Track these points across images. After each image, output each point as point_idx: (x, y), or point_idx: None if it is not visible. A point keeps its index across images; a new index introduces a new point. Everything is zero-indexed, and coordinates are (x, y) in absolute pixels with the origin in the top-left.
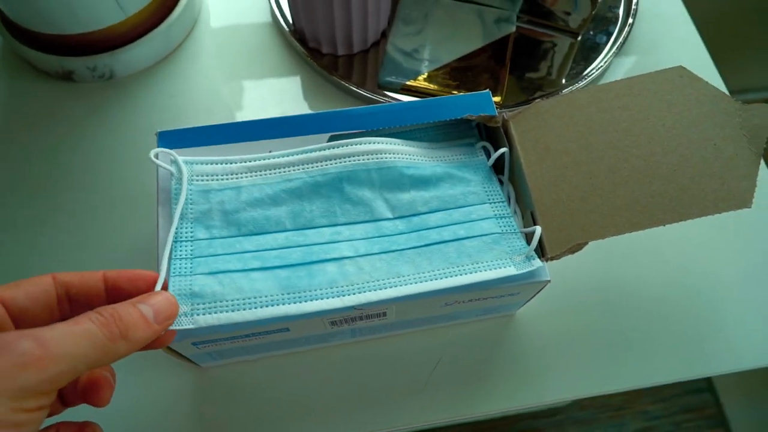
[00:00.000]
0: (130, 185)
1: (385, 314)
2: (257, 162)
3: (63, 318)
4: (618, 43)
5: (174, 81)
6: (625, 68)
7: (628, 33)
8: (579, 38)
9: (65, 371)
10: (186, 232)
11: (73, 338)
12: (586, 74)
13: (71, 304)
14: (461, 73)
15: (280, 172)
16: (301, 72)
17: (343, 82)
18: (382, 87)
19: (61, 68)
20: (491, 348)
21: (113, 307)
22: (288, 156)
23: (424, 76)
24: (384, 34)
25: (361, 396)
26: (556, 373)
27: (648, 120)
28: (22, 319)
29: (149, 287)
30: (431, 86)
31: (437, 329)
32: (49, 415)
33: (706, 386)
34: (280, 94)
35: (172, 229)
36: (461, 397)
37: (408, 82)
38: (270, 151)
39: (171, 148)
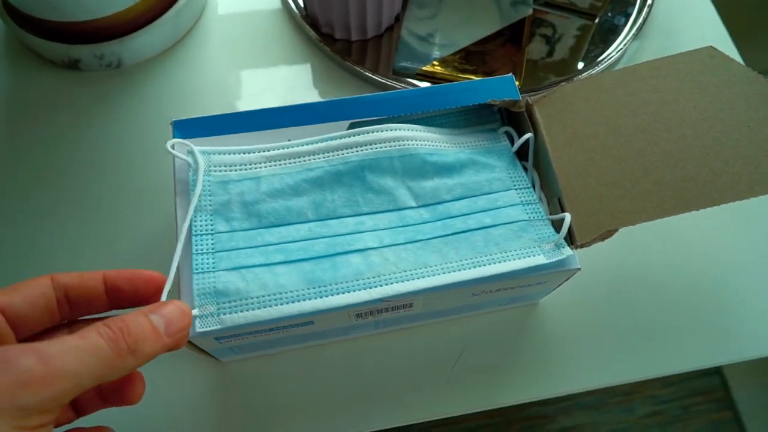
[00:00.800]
0: (140, 177)
1: (411, 305)
2: (277, 151)
3: (63, 319)
4: (637, 24)
5: (183, 69)
6: (644, 51)
7: (648, 14)
8: (596, 20)
9: (69, 389)
10: (206, 225)
11: (78, 354)
12: (605, 57)
13: (71, 306)
14: (477, 58)
15: (300, 161)
16: (313, 58)
17: (356, 68)
18: (396, 73)
19: (67, 57)
20: (514, 338)
21: (122, 319)
22: (308, 144)
23: (439, 60)
24: (398, 19)
25: (385, 388)
26: (579, 363)
27: (678, 102)
28: (22, 325)
29: (149, 287)
30: (446, 71)
31: (460, 319)
32: (59, 425)
33: (714, 369)
34: (291, 81)
35: (186, 223)
36: (485, 388)
37: (423, 68)
38: (289, 140)
39: (186, 138)
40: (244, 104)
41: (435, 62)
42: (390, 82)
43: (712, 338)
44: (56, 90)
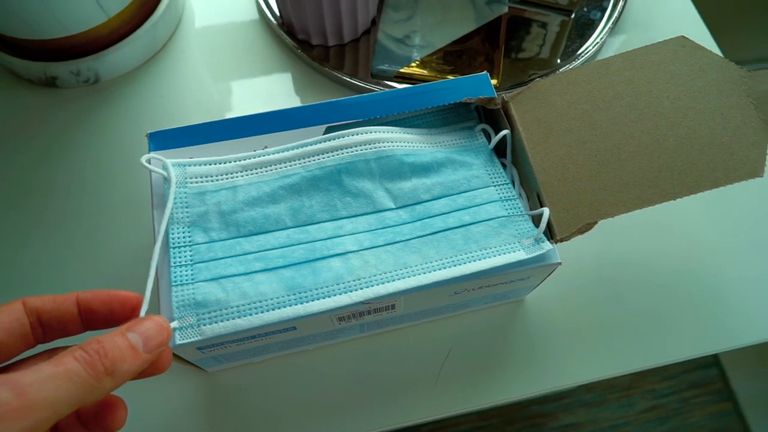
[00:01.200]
0: (120, 192)
1: (394, 307)
2: (252, 159)
3: (38, 343)
4: (613, 18)
5: (161, 82)
6: (621, 45)
7: (623, 8)
8: (573, 15)
9: (46, 418)
10: (183, 237)
11: (54, 382)
12: (582, 52)
13: (44, 330)
14: (455, 57)
15: (276, 169)
16: (292, 66)
17: (335, 73)
18: (375, 76)
19: (44, 74)
20: (502, 335)
21: (99, 341)
22: (283, 152)
23: (417, 62)
24: (374, 22)
25: (372, 392)
26: (569, 358)
27: (652, 93)
28: None
29: (125, 308)
30: (425, 72)
31: (446, 319)
32: None
33: (712, 361)
34: (271, 90)
35: (160, 236)
36: (474, 388)
37: (401, 69)
38: (265, 147)
39: (163, 149)
40: (224, 115)
41: (413, 64)
42: (369, 86)
43: (702, 326)
44: (34, 108)
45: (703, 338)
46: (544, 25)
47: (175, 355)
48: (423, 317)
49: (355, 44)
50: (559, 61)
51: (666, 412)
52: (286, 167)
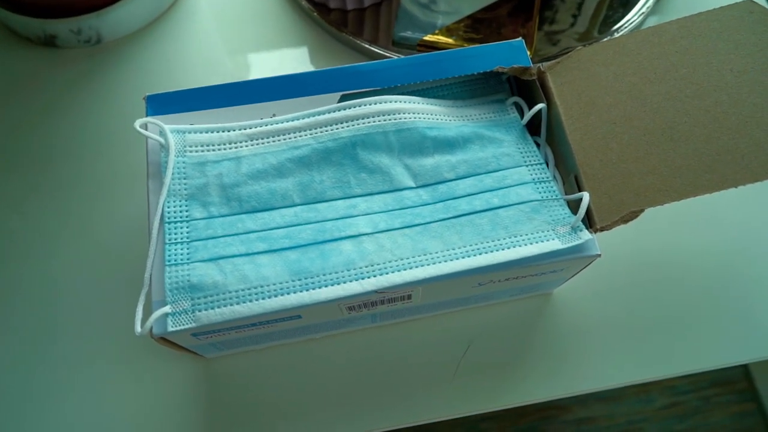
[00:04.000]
0: (120, 160)
1: (410, 297)
2: (259, 128)
3: None
4: None
5: (167, 45)
6: (667, 16)
7: None
8: None
9: None
10: (179, 212)
11: None
12: (625, 23)
13: None
14: (484, 26)
15: (285, 139)
16: (307, 30)
17: (354, 39)
18: (397, 43)
19: (42, 32)
20: (526, 332)
21: None
22: (293, 120)
23: (443, 29)
24: None
25: (383, 387)
26: (595, 360)
27: (712, 65)
28: None
29: None
30: (450, 41)
31: (467, 311)
32: None
33: None
34: (284, 55)
35: (159, 210)
36: (492, 387)
37: (425, 37)
38: (274, 115)
39: (162, 114)
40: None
41: (438, 31)
42: (390, 54)
43: (741, 334)
44: (32, 69)
45: (738, 347)
46: None
47: (166, 341)
48: (441, 308)
49: (376, 9)
50: (597, 33)
51: (685, 410)
52: (295, 138)
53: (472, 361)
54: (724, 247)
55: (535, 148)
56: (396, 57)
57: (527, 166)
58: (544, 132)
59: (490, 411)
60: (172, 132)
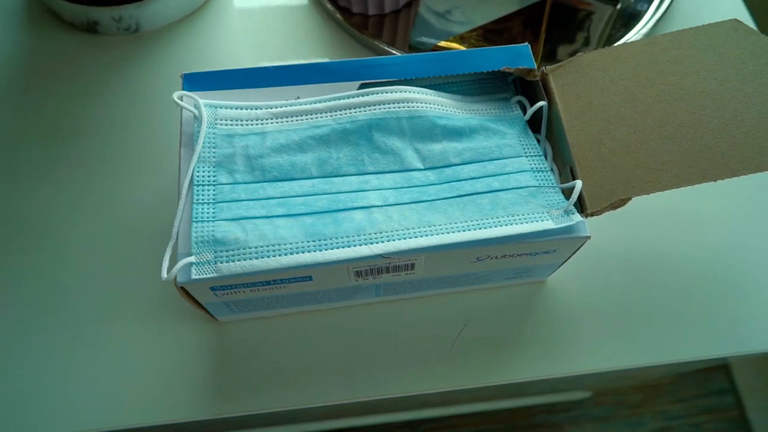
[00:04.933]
0: (146, 142)
1: (413, 267)
2: (284, 108)
3: None
4: (660, 11)
5: (199, 38)
6: None
7: (671, 1)
8: (618, 6)
9: None
10: (208, 176)
11: None
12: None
13: None
14: (495, 36)
15: (307, 119)
16: (330, 32)
17: (373, 41)
18: (413, 48)
19: (86, 18)
20: (519, 315)
21: None
22: (316, 103)
23: (457, 37)
24: None
25: (383, 358)
26: (583, 344)
27: (699, 73)
28: None
29: None
30: (463, 48)
31: (464, 293)
32: None
33: (728, 387)
34: (307, 52)
35: (189, 173)
36: (487, 365)
37: (439, 43)
38: (298, 98)
39: (196, 90)
40: None
41: (452, 38)
42: None
43: (724, 330)
44: (73, 52)
45: (726, 338)
46: (587, 14)
47: (187, 293)
48: (440, 286)
49: (395, 15)
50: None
51: None
52: (316, 118)
53: (468, 341)
54: (704, 246)
55: (535, 142)
56: None
57: (527, 156)
58: (544, 128)
59: (480, 422)
60: (206, 106)
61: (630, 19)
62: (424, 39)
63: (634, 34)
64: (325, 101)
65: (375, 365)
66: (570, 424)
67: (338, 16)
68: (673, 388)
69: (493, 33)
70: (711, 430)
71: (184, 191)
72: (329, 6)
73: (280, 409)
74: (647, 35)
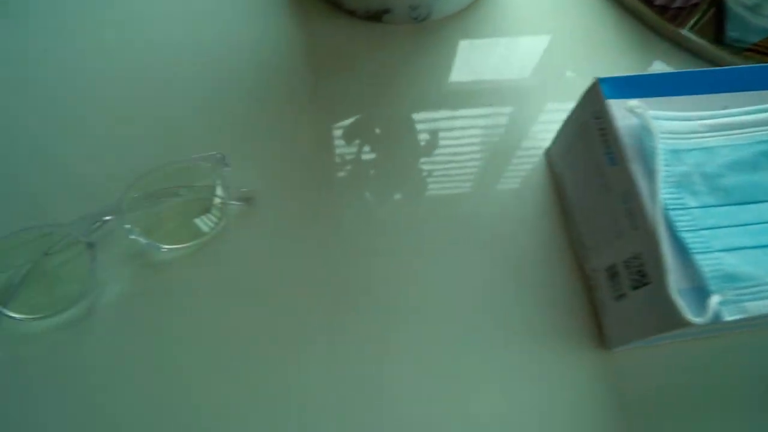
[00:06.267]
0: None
1: None
2: (716, 120)
3: None
4: None
5: (484, 27)
6: None
7: None
8: None
9: None
10: (675, 199)
11: None
12: None
13: None
14: None
15: (746, 133)
16: (620, 23)
17: (679, 32)
18: (727, 44)
19: (376, 6)
20: None
21: None
22: (753, 114)
23: None
24: None
25: None
26: None
27: None
28: None
29: None
30: None
31: None
32: None
33: None
34: (601, 47)
35: (656, 194)
36: None
37: (758, 41)
38: (725, 107)
39: (615, 98)
40: (560, 71)
41: None
42: (718, 53)
43: None
44: (360, 42)
45: None
46: None
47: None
48: None
49: (693, 9)
50: None
51: None
52: (757, 132)
53: None
54: None
55: None
56: (725, 58)
57: None
58: None
59: None
60: (651, 118)
61: None
62: (737, 35)
63: None
64: (763, 112)
65: None
66: None
67: (643, 3)
68: None
69: None
70: None
71: (658, 215)
72: None
73: None
74: None
